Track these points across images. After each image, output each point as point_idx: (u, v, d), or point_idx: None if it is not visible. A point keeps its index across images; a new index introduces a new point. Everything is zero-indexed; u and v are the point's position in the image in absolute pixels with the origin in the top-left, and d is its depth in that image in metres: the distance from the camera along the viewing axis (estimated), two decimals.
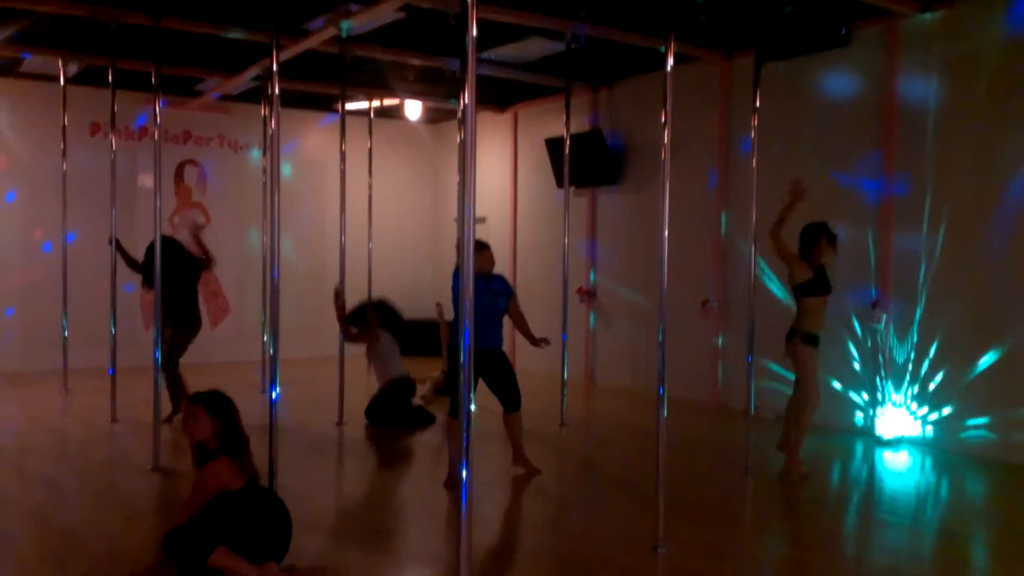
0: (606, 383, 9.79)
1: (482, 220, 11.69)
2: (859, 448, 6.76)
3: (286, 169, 11.53)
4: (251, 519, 3.79)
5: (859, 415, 7.19)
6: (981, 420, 6.37)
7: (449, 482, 5.47)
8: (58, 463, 6.22)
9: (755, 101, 6.04)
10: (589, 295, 9.99)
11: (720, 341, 8.41)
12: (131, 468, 5.93)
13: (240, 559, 3.66)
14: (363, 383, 8.80)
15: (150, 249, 7.29)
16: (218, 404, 4.00)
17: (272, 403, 4.34)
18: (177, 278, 7.22)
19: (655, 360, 4.45)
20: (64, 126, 8.82)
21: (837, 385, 7.31)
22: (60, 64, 8.63)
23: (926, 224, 6.70)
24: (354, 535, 4.70)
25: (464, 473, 2.97)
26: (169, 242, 7.31)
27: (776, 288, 7.71)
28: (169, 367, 7.24)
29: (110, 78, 7.49)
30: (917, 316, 6.75)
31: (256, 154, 11.10)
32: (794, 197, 5.64)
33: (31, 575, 3.96)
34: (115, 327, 7.47)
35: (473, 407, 3.03)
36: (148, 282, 7.18)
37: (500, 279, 6.03)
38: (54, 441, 6.82)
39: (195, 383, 9.34)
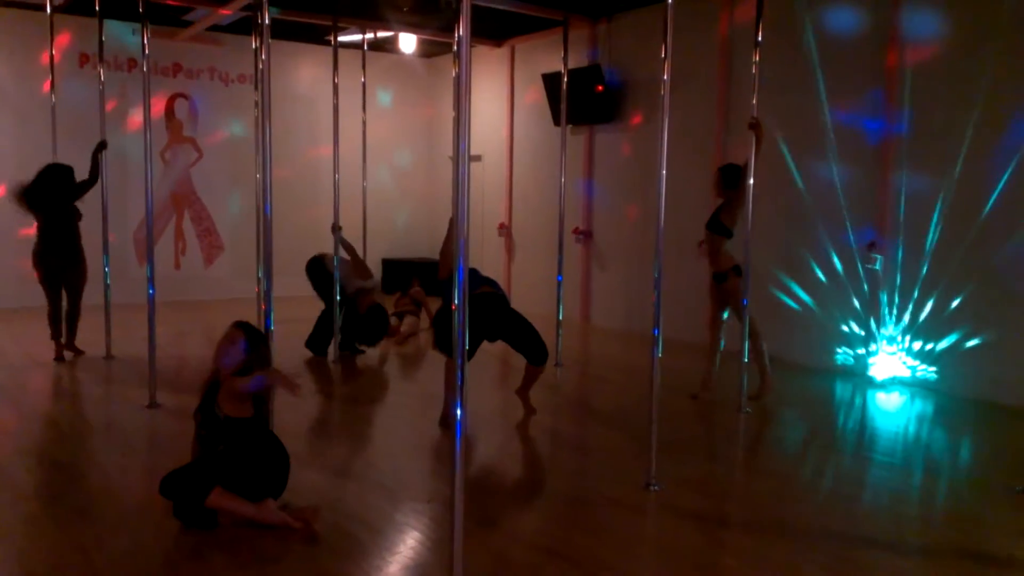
0: (601, 323, 9.81)
1: (477, 158, 11.56)
2: (852, 389, 6.81)
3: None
4: (251, 455, 3.80)
5: (852, 356, 7.23)
6: (974, 362, 6.41)
7: (444, 420, 5.50)
8: (54, 398, 6.24)
9: (757, 36, 5.91)
10: (585, 235, 9.94)
11: None
12: (126, 404, 5.94)
13: (237, 498, 3.68)
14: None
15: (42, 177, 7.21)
16: (257, 339, 3.92)
17: None
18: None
19: (651, 300, 4.43)
20: (52, 56, 8.62)
21: (831, 327, 7.33)
22: None
23: (926, 164, 6.62)
24: (349, 472, 4.74)
25: (458, 411, 2.96)
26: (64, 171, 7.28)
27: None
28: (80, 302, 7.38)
29: (97, 7, 7.29)
30: (914, 258, 6.73)
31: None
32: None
33: (28, 508, 3.99)
34: (108, 263, 7.42)
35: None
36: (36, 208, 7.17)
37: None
38: (49, 377, 6.83)
39: (191, 320, 9.37)
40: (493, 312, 5.51)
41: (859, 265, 7.09)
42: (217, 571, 3.36)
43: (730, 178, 6.05)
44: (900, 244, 6.81)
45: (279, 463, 3.89)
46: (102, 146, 7.35)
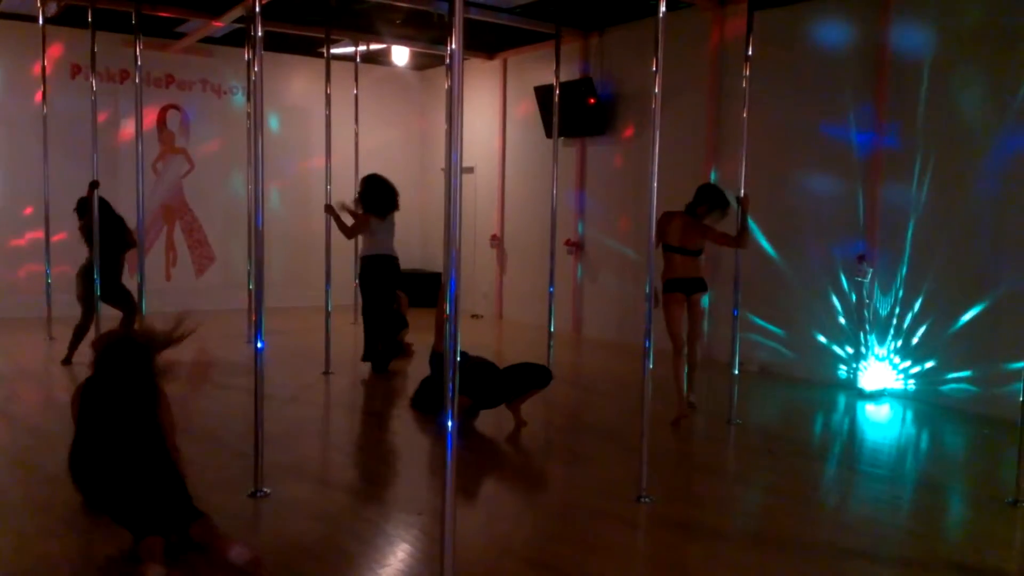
0: (593, 335, 9.81)
1: (470, 170, 11.58)
2: (842, 401, 6.83)
3: (273, 122, 11.36)
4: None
5: (842, 368, 7.25)
6: (963, 373, 6.44)
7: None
8: (43, 410, 6.20)
9: (747, 49, 5.95)
10: (577, 247, 9.96)
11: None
12: None
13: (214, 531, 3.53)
14: (349, 332, 8.81)
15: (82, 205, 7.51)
16: None
17: (257, 352, 4.32)
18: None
19: (642, 312, 4.45)
20: (43, 67, 8.62)
21: (821, 338, 7.36)
22: (39, 3, 8.40)
23: (915, 177, 6.67)
24: (339, 483, 4.73)
25: (448, 423, 2.96)
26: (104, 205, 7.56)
27: (762, 241, 7.72)
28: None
29: (89, 18, 7.30)
30: (903, 270, 6.77)
31: (240, 99, 10.93)
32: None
33: (17, 518, 3.97)
34: (98, 275, 7.40)
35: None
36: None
37: None
38: (39, 388, 6.80)
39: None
40: (488, 379, 5.69)
41: (842, 278, 7.12)
42: None
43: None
44: (889, 257, 6.85)
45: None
46: (94, 185, 7.37)
